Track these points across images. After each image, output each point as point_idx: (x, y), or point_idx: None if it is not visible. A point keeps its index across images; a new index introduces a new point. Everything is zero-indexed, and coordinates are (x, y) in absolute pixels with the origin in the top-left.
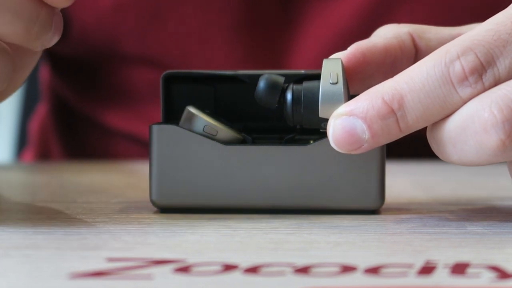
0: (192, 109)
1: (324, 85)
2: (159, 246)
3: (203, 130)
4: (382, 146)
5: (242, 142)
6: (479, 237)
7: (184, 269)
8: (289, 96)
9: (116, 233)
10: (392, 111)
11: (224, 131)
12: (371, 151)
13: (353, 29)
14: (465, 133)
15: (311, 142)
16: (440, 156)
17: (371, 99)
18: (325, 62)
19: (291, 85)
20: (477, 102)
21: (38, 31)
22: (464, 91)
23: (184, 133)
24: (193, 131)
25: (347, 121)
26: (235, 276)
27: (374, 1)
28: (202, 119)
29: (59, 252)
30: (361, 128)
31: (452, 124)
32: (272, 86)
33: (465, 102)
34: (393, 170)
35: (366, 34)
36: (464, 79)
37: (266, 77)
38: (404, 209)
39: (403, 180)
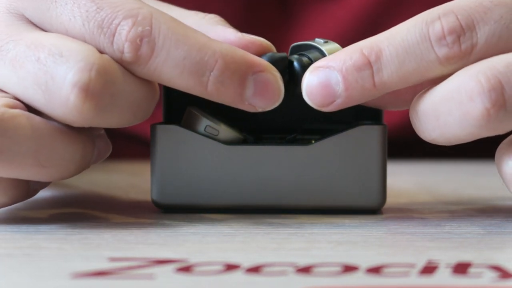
0: (193, 109)
1: (320, 44)
2: (160, 246)
3: (205, 130)
4: (383, 146)
5: (244, 142)
6: (481, 237)
7: (186, 269)
8: (296, 64)
9: (117, 233)
10: (369, 63)
11: (225, 131)
12: (372, 151)
13: (352, 32)
14: (450, 104)
15: (313, 142)
16: (420, 133)
17: (350, 52)
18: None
19: (293, 56)
20: (464, 73)
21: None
22: (441, 50)
23: (186, 133)
24: (194, 131)
25: (322, 73)
26: (237, 276)
27: (373, 4)
28: (204, 119)
29: (60, 252)
30: (336, 79)
31: (437, 95)
32: (278, 59)
33: (441, 63)
34: (394, 170)
35: (364, 36)
36: (442, 38)
37: (268, 55)
38: (405, 209)
39: (405, 180)
